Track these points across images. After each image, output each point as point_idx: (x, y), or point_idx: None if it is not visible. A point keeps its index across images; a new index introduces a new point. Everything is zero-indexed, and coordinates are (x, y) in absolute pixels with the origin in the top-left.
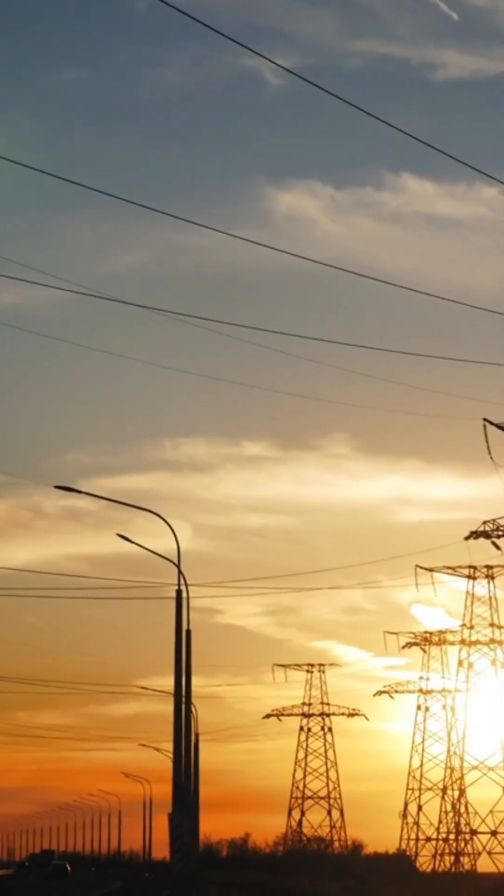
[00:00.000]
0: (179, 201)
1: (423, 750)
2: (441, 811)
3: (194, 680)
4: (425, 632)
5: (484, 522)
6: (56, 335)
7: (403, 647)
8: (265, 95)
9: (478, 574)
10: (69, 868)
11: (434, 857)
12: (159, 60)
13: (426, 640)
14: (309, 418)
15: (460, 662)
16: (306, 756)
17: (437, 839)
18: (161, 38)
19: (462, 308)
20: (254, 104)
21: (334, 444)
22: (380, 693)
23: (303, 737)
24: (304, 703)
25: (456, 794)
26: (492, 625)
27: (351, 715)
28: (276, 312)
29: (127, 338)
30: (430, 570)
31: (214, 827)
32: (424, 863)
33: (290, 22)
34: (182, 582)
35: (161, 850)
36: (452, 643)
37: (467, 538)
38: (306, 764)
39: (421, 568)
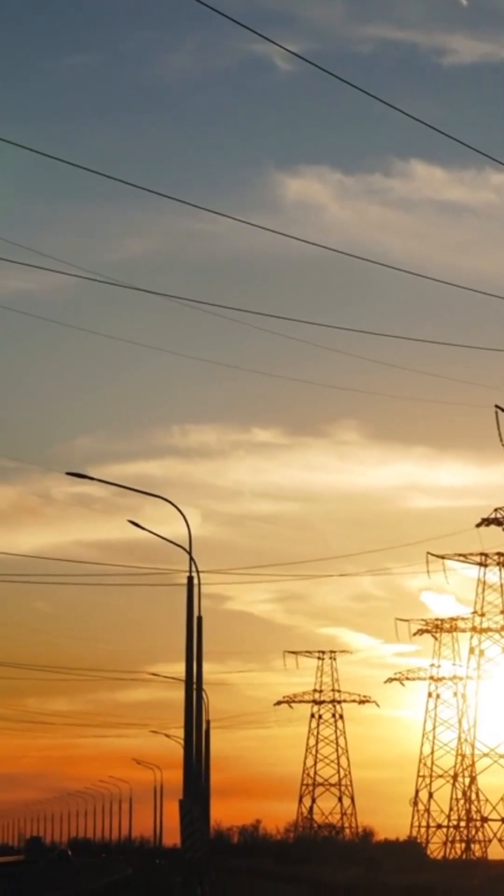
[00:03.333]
0: (189, 187)
1: (433, 737)
2: (452, 798)
3: (204, 666)
4: (436, 619)
5: (496, 510)
6: (66, 321)
7: (415, 635)
8: (274, 81)
9: (489, 561)
10: (70, 853)
11: (445, 844)
12: (168, 46)
13: (437, 628)
14: (318, 405)
15: (471, 650)
16: (317, 743)
17: (448, 826)
18: (170, 23)
19: (472, 294)
20: (263, 89)
21: (344, 431)
22: (391, 680)
23: (314, 724)
24: (314, 690)
25: (467, 781)
26: (503, 612)
27: (362, 702)
28: (285, 299)
29: (136, 324)
30: (442, 557)
31: (225, 813)
32: (435, 850)
33: (298, 7)
34: (193, 568)
35: (172, 836)
36: (464, 630)
37: (478, 525)
38: (317, 751)
39: (432, 555)
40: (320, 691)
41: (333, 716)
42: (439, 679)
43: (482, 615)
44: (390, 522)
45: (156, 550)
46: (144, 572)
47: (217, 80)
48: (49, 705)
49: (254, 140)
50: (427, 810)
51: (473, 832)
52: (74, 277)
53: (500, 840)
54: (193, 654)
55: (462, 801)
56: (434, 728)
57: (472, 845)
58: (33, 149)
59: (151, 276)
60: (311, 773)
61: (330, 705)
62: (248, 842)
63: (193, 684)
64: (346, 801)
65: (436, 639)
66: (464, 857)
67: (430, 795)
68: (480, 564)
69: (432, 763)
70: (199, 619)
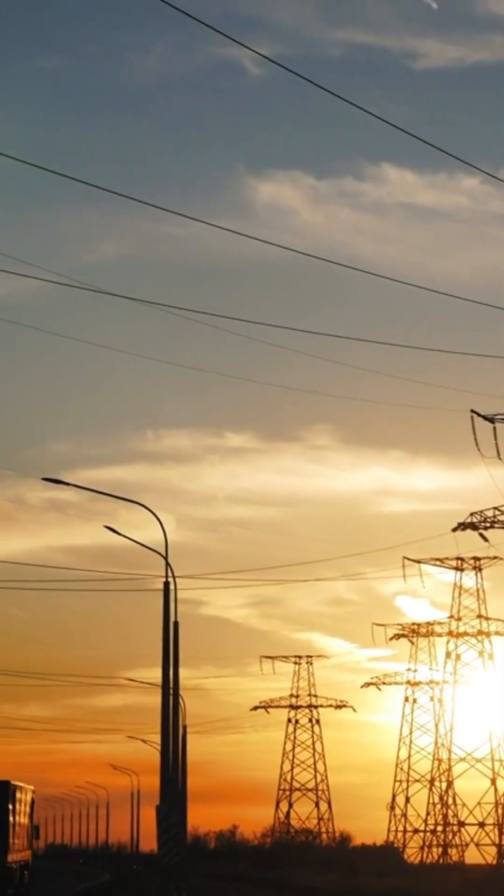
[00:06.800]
0: (160, 191)
1: (410, 742)
2: (429, 803)
3: (180, 672)
4: (413, 623)
5: (471, 514)
6: (38, 326)
7: (391, 639)
8: (245, 84)
9: (465, 566)
10: None
11: (422, 848)
12: (139, 49)
13: (414, 632)
14: (292, 409)
15: (448, 654)
16: (294, 748)
17: (425, 831)
18: (140, 26)
19: (444, 298)
20: (234, 93)
21: (318, 436)
22: (368, 685)
23: (290, 729)
24: (291, 695)
25: (443, 785)
26: (479, 616)
27: (338, 706)
28: (257, 303)
29: (109, 328)
30: (418, 561)
31: (202, 819)
32: (412, 854)
33: (269, 10)
34: (170, 573)
35: (149, 842)
36: (440, 635)
37: (455, 529)
38: (294, 756)
39: (408, 559)
40: (297, 696)
41: (310, 720)
42: (416, 683)
43: (458, 619)
44: (365, 527)
45: (131, 556)
46: (120, 577)
47: (188, 83)
48: (25, 711)
49: (225, 144)
50: (404, 815)
51: (450, 836)
52: (45, 282)
53: (476, 844)
54: (170, 660)
55: (439, 806)
56: (411, 733)
57: (449, 850)
58: (3, 153)
59: (123, 280)
60: (288, 778)
61: (306, 710)
62: (225, 847)
63: (170, 689)
64: (323, 806)
65: (412, 643)
66: (441, 861)
67: (407, 800)
68: (456, 569)
69: (409, 768)
70: (176, 624)
